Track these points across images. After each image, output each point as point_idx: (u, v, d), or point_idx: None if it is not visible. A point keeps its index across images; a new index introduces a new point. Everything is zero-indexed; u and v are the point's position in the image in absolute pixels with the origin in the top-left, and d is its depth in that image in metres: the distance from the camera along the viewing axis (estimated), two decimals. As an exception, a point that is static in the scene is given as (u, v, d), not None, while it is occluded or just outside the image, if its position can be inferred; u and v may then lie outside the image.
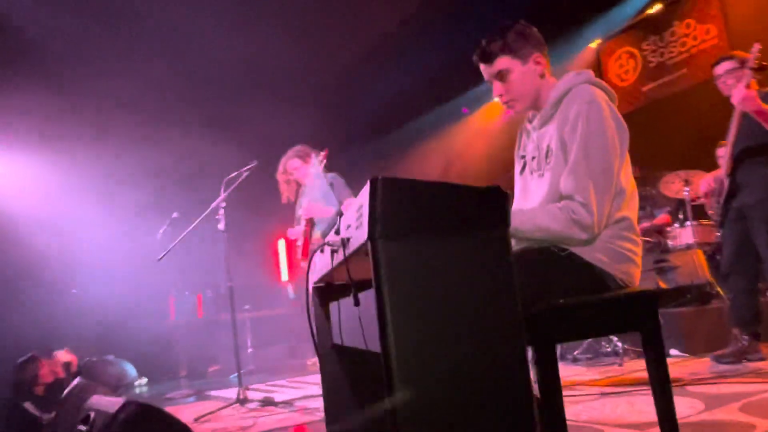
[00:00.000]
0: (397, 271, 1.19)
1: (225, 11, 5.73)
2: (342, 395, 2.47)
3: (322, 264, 2.22)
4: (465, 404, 1.18)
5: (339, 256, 1.64)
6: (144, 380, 7.15)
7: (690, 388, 2.93)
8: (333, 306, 2.39)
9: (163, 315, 7.50)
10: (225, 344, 7.97)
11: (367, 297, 1.44)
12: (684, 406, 2.50)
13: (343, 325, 2.32)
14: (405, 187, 1.25)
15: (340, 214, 1.68)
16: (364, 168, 7.95)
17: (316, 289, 2.49)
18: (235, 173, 4.32)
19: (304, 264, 4.54)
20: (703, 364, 3.58)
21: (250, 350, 7.55)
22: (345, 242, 1.47)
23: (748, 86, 3.20)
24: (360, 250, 1.43)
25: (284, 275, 9.69)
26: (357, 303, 1.39)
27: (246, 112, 6.80)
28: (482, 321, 1.22)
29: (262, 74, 6.55)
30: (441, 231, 1.24)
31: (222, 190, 4.29)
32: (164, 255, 4.42)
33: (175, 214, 5.64)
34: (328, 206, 4.23)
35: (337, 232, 1.68)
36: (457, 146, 9.09)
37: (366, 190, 1.26)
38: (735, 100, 3.22)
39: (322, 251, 2.06)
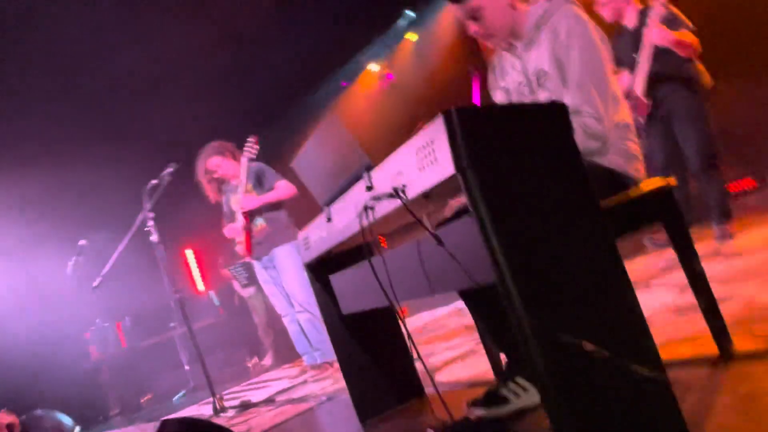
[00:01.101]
0: (492, 197, 1.19)
1: (104, 23, 5.29)
2: (363, 362, 2.45)
3: (321, 237, 2.17)
4: (582, 303, 1.22)
5: (372, 216, 1.61)
6: (77, 429, 6.60)
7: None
8: (336, 277, 2.34)
9: (83, 353, 6.91)
10: (153, 370, 7.56)
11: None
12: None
13: (346, 293, 2.30)
14: (479, 114, 1.25)
15: (368, 167, 1.64)
16: (267, 153, 7.78)
17: (310, 266, 2.43)
18: (155, 180, 4.04)
19: (249, 259, 4.38)
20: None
21: (187, 368, 7.19)
22: (400, 190, 1.44)
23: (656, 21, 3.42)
24: (422, 196, 1.42)
25: (200, 285, 9.32)
26: (440, 242, 1.37)
27: (138, 124, 6.36)
28: (575, 224, 1.26)
29: (149, 82, 6.14)
30: (520, 149, 1.26)
31: (145, 199, 4.01)
32: (100, 282, 4.06)
33: (82, 242, 5.19)
34: (262, 195, 4.12)
35: (369, 188, 1.65)
36: (345, 118, 9.10)
37: (436, 125, 1.25)
38: (653, 39, 3.44)
39: (329, 220, 2.02)
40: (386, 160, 1.53)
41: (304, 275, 2.54)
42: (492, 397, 1.82)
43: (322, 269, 2.42)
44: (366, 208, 1.60)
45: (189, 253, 8.87)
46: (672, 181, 1.76)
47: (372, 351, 2.49)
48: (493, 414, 1.79)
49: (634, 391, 1.21)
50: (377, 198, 1.54)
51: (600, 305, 1.24)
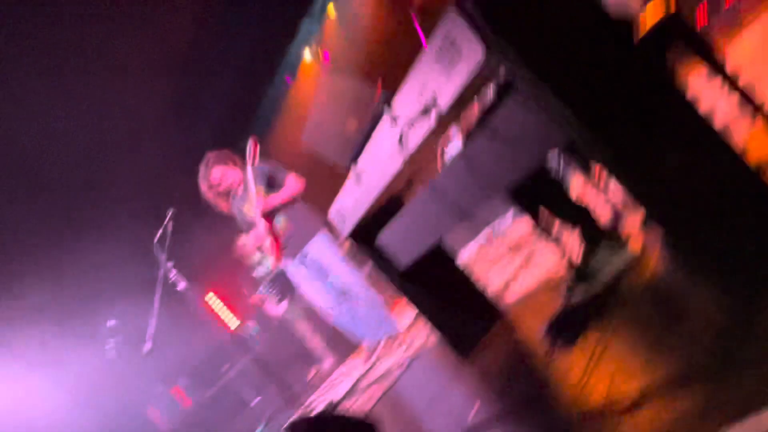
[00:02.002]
0: (533, 60, 1.17)
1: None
2: (440, 306, 2.44)
3: (355, 202, 2.14)
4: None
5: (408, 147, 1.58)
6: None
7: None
8: (385, 235, 2.31)
9: (152, 428, 6.87)
10: (223, 419, 7.55)
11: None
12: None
13: (399, 245, 2.28)
14: None
15: (386, 102, 1.60)
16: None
17: (354, 236, 2.39)
18: (160, 230, 3.97)
19: (280, 265, 4.30)
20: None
21: (252, 405, 7.19)
22: (431, 103, 1.41)
23: None
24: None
25: (233, 323, 9.26)
26: (494, 132, 1.35)
27: (112, 192, 6.26)
28: (615, 59, 1.24)
29: (103, 143, 6.02)
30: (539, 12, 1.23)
31: (158, 253, 3.94)
32: (151, 346, 3.99)
33: (111, 322, 5.14)
34: (278, 194, 3.98)
35: (395, 120, 1.62)
36: (301, 112, 9.01)
37: (449, 22, 1.22)
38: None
39: (358, 180, 1.98)
40: (404, 83, 1.50)
41: (346, 259, 2.50)
42: (582, 273, 1.82)
43: (366, 234, 2.39)
44: (401, 138, 1.57)
45: (211, 297, 8.77)
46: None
47: (443, 293, 2.47)
48: (593, 287, 1.79)
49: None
50: (411, 122, 1.51)
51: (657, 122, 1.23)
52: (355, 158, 1.93)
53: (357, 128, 1.79)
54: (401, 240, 2.23)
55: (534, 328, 2.04)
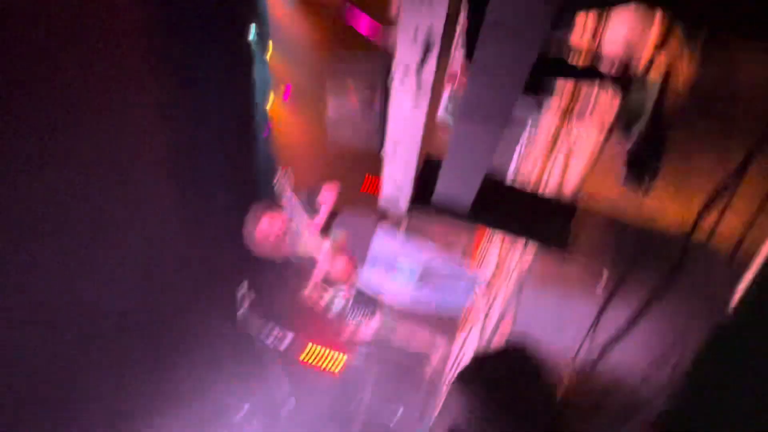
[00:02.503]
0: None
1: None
2: (520, 223, 2.52)
3: (402, 167, 2.23)
4: None
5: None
6: None
7: None
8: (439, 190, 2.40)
9: None
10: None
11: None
12: None
13: (457, 189, 2.36)
14: None
15: (388, 69, 1.70)
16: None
17: (417, 200, 2.46)
18: (240, 310, 4.11)
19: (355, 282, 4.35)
20: None
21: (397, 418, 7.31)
22: (431, 41, 1.51)
23: None
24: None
25: (337, 363, 9.39)
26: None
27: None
28: None
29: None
30: None
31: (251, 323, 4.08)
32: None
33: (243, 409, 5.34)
34: (321, 212, 4.07)
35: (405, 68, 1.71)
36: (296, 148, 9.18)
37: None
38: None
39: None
40: (397, 36, 1.59)
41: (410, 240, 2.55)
42: (626, 119, 1.90)
43: (423, 200, 2.46)
44: (418, 84, 1.67)
45: (309, 350, 8.93)
46: None
47: (514, 214, 2.55)
48: (642, 124, 1.86)
49: None
50: (419, 67, 1.61)
51: None
52: (383, 133, 2.04)
53: (374, 101, 1.89)
54: (455, 187, 2.31)
55: (612, 189, 2.11)
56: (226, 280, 4.56)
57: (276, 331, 3.95)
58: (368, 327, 7.06)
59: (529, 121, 4.96)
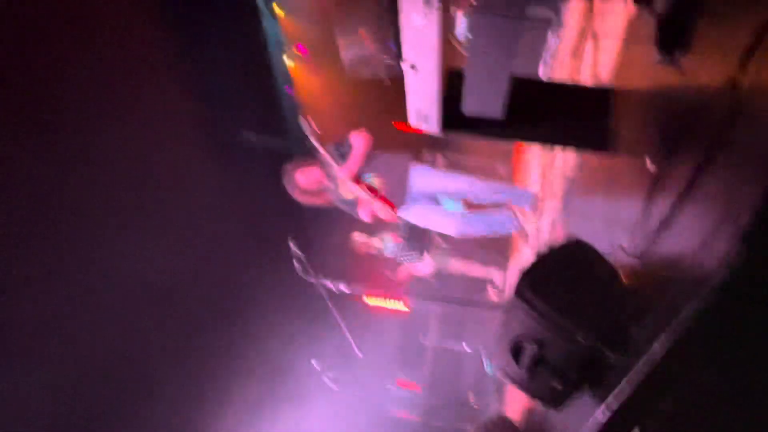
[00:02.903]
0: None
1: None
2: (556, 126, 2.45)
3: (426, 91, 2.18)
4: None
5: None
6: None
7: None
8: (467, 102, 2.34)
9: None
10: (455, 382, 7.86)
11: None
12: None
13: (488, 94, 2.29)
14: None
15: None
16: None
17: (446, 125, 2.42)
18: (296, 263, 4.17)
19: (396, 218, 4.33)
20: None
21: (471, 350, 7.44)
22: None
23: None
24: None
25: (400, 306, 9.56)
26: None
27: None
28: None
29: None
30: None
31: (309, 277, 4.14)
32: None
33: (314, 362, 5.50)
34: (352, 158, 4.05)
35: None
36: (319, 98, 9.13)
37: None
38: None
39: (413, 68, 2.03)
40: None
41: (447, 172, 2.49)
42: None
43: (454, 115, 2.40)
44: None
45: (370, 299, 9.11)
46: None
47: (550, 114, 2.48)
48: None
49: None
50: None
51: None
52: (400, 53, 1.99)
53: (385, 23, 1.84)
54: (483, 96, 2.25)
55: (647, 71, 2.02)
56: (277, 237, 4.63)
57: (335, 279, 4.02)
58: (422, 265, 7.15)
59: (554, 23, 4.75)
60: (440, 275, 7.38)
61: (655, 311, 1.67)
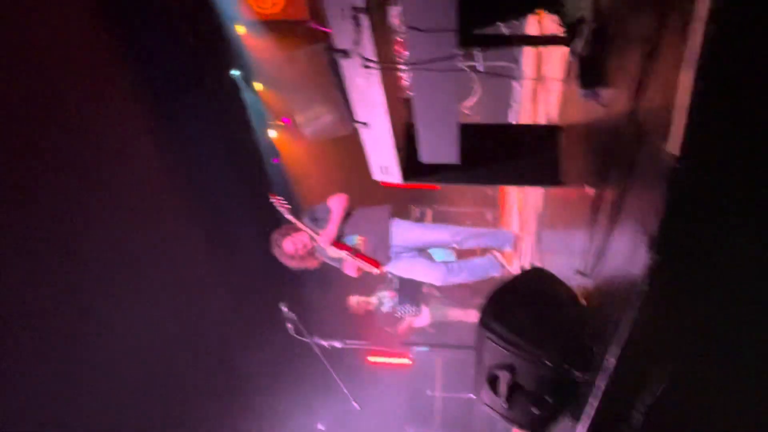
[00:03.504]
0: None
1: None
2: (509, 166, 2.61)
3: (382, 145, 2.36)
4: None
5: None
6: None
7: None
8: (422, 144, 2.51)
9: None
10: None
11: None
12: None
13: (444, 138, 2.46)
14: None
15: (328, 47, 1.83)
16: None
17: (406, 174, 2.58)
18: (289, 325, 4.25)
19: (382, 271, 4.47)
20: None
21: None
22: (355, 12, 1.64)
23: None
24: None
25: (402, 361, 9.51)
26: None
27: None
28: None
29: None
30: None
31: (305, 337, 4.21)
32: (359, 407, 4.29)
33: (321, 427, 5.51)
34: (331, 221, 4.17)
35: (346, 53, 1.84)
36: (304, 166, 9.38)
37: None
38: None
39: (365, 125, 2.21)
40: (327, 22, 1.72)
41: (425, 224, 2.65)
42: (570, 30, 1.97)
43: (413, 164, 2.57)
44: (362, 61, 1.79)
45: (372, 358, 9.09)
46: None
47: (501, 155, 2.65)
48: (586, 29, 1.93)
49: None
50: (356, 42, 1.73)
51: None
52: (352, 114, 2.17)
53: (332, 88, 2.02)
54: (436, 145, 2.42)
55: (581, 111, 2.20)
56: (272, 304, 4.73)
57: (330, 337, 4.09)
58: (420, 317, 7.20)
59: (515, 72, 5.03)
60: (439, 325, 7.42)
61: (607, 326, 1.77)
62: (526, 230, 4.25)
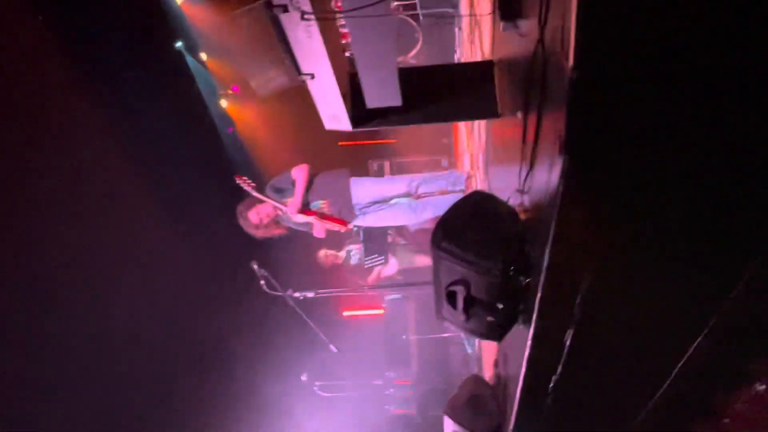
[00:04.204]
0: None
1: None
2: (452, 102, 2.81)
3: (329, 95, 2.51)
4: None
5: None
6: None
7: None
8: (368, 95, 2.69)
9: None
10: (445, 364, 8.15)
11: None
12: None
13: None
14: None
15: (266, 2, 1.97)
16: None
17: (355, 121, 2.76)
18: (261, 281, 4.43)
19: (348, 228, 4.74)
20: None
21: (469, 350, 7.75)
22: None
23: None
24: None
25: (377, 310, 9.81)
26: None
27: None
28: None
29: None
30: None
31: (278, 292, 4.41)
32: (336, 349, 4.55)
33: (304, 376, 5.78)
34: (296, 190, 4.44)
35: (285, 8, 1.99)
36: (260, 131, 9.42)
37: None
38: None
39: (312, 77, 2.37)
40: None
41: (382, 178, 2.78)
42: None
43: (361, 111, 2.75)
44: (301, 15, 1.95)
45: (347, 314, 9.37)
46: None
47: (442, 92, 2.84)
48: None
49: None
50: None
51: None
52: (297, 68, 2.32)
53: (275, 43, 2.17)
54: (379, 89, 2.60)
55: (508, 44, 2.39)
56: (241, 270, 4.93)
57: (302, 289, 4.32)
58: (389, 267, 7.47)
59: (454, 16, 5.22)
60: (407, 272, 7.70)
61: (539, 232, 2.02)
62: (476, 168, 4.49)
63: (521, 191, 2.28)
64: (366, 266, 6.92)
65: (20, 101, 5.38)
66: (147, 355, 5.93)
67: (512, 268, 2.19)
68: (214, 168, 8.14)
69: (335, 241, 6.68)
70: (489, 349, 4.31)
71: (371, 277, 7.43)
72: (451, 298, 2.41)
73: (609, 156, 1.56)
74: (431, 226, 5.92)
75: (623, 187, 1.64)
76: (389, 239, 7.04)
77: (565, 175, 1.59)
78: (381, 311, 8.56)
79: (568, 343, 2.15)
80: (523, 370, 2.36)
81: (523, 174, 2.19)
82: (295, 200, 4.41)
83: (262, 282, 4.44)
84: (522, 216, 2.31)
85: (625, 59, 1.43)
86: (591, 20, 1.31)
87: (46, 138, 5.72)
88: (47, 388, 4.79)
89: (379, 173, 8.53)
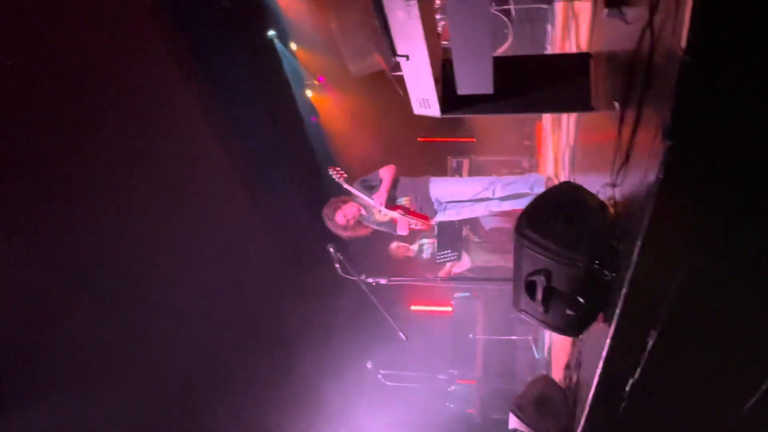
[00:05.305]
0: None
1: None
2: (543, 93, 2.77)
3: (423, 78, 2.53)
4: None
5: None
6: None
7: None
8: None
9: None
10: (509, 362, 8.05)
11: None
12: None
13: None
14: None
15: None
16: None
17: (445, 107, 2.77)
18: (336, 264, 4.52)
19: (432, 224, 4.83)
20: None
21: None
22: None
23: None
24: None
25: (445, 307, 9.77)
26: None
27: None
28: None
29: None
30: None
31: (352, 275, 4.49)
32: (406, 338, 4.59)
33: (369, 364, 5.85)
34: (381, 186, 4.57)
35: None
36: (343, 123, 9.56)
37: None
38: None
39: (407, 58, 2.40)
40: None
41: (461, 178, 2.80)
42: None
43: (451, 98, 2.74)
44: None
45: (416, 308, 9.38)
46: None
47: (534, 83, 2.80)
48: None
49: None
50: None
51: None
52: (393, 49, 2.36)
53: (374, 21, 2.21)
54: (473, 76, 2.59)
55: (609, 34, 2.33)
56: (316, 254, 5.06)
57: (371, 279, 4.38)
58: (461, 263, 7.43)
59: (549, 13, 5.13)
60: (479, 270, 7.63)
61: (631, 226, 1.96)
62: (560, 167, 4.40)
63: (613, 184, 2.22)
64: (438, 261, 6.91)
65: (121, 82, 5.71)
66: (218, 329, 6.17)
67: (597, 261, 2.14)
68: (296, 154, 8.36)
69: (410, 234, 6.72)
70: (560, 352, 4.22)
71: (443, 273, 7.41)
72: (531, 288, 2.38)
73: (716, 146, 1.49)
74: (506, 225, 5.94)
75: (730, 181, 1.57)
76: (463, 235, 7.01)
77: (666, 163, 1.53)
78: (449, 308, 8.52)
79: (650, 345, 2.06)
80: (599, 369, 2.30)
81: (617, 166, 2.13)
82: (381, 193, 4.57)
83: (337, 265, 4.53)
84: (611, 210, 2.25)
85: (739, 47, 1.37)
86: (707, 5, 1.27)
87: (142, 116, 6.04)
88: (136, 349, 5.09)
89: (458, 170, 8.49)
